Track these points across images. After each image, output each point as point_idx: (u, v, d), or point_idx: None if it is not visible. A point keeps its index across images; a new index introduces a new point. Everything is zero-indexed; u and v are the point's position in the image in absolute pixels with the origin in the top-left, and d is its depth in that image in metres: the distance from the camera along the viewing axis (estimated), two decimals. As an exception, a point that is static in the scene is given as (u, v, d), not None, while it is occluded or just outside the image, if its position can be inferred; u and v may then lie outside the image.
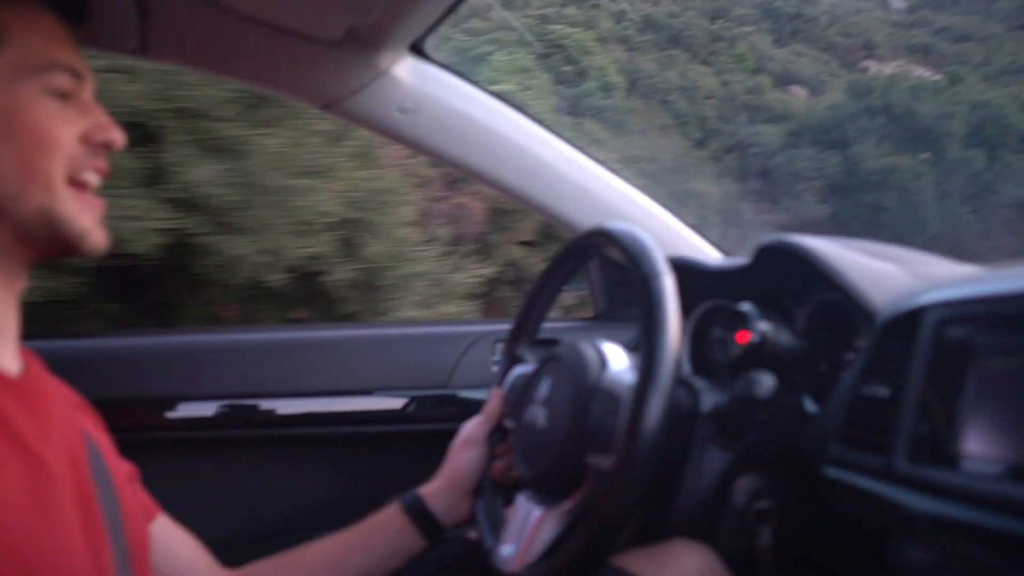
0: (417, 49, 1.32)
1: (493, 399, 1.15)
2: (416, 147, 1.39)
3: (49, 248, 0.77)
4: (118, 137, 0.80)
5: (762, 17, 41.51)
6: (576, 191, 1.44)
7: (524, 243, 5.94)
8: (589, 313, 1.79)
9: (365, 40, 1.20)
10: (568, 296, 1.91)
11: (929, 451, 0.77)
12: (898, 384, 0.83)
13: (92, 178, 0.79)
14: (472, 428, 1.14)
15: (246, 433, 1.50)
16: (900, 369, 0.84)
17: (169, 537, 0.97)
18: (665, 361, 0.78)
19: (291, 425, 1.51)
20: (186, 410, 1.45)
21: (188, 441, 1.47)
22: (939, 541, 0.72)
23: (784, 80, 34.73)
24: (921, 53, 40.11)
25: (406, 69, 1.31)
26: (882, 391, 0.85)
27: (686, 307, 1.43)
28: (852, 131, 26.52)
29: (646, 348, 0.80)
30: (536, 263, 5.66)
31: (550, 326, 1.61)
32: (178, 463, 1.42)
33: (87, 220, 0.78)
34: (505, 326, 1.29)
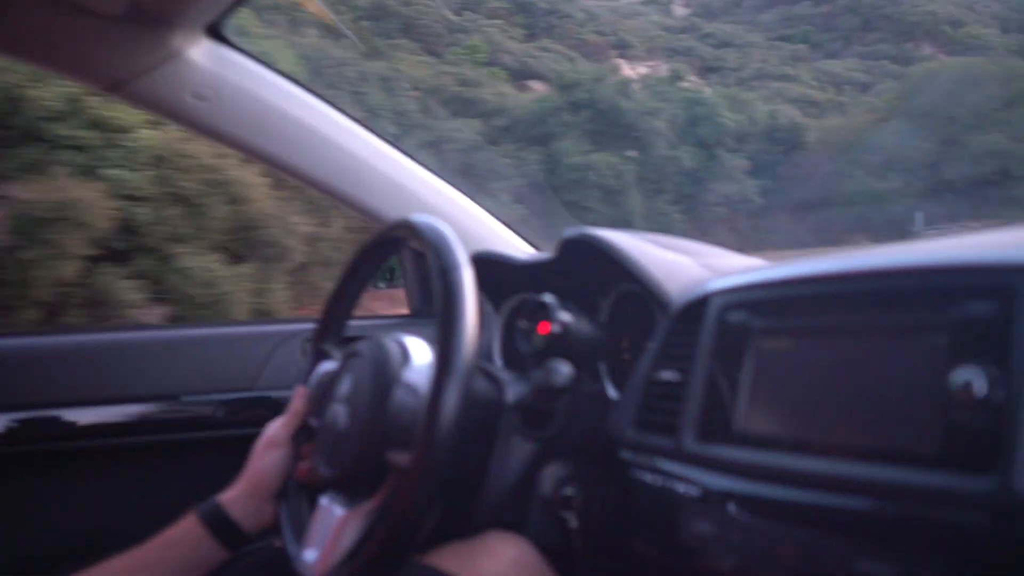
0: (215, 32, 1.23)
1: (298, 397, 1.10)
2: (212, 135, 1.30)
3: None
4: None
5: (515, 11, 41.76)
6: (384, 184, 1.41)
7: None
8: (406, 310, 1.77)
9: (155, 18, 1.11)
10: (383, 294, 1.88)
11: (716, 431, 0.81)
12: (686, 368, 0.87)
13: None
14: (276, 429, 1.08)
15: (37, 447, 1.36)
16: (688, 354, 0.88)
17: None
18: (461, 351, 0.77)
19: (88, 436, 1.39)
20: None
21: None
22: (725, 514, 0.75)
23: (522, 75, 34.50)
24: (681, 55, 42.46)
25: (202, 52, 1.23)
26: (672, 375, 0.89)
27: (496, 301, 1.45)
28: (556, 126, 25.55)
29: (442, 339, 0.78)
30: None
31: (363, 324, 1.57)
32: None
33: None
34: (313, 325, 1.24)
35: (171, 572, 0.98)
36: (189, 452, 1.45)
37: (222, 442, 1.45)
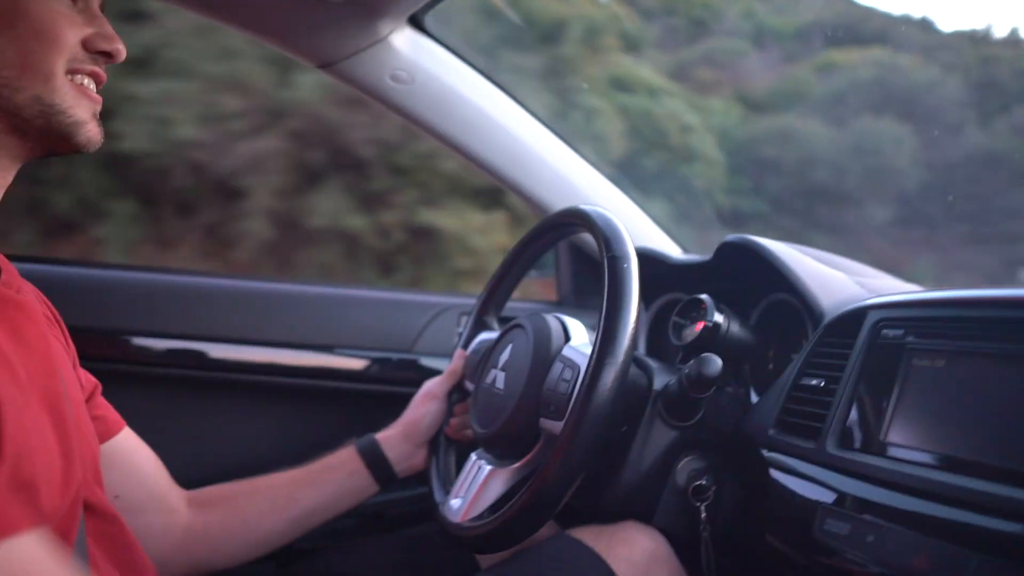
0: (416, 22, 1.36)
1: (457, 358, 1.20)
2: (404, 115, 1.42)
3: (43, 140, 0.76)
4: (121, 49, 0.80)
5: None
6: (553, 176, 1.49)
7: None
8: (554, 298, 1.85)
9: (368, 5, 1.23)
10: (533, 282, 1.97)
11: (857, 439, 0.83)
12: (834, 377, 0.90)
13: (89, 84, 0.79)
14: (434, 384, 1.19)
15: (206, 375, 1.52)
16: (837, 364, 0.91)
17: (133, 450, 0.98)
18: (623, 334, 0.83)
19: (251, 372, 1.54)
20: (147, 343, 1.48)
21: (147, 376, 1.49)
22: (859, 520, 0.78)
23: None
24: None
25: (403, 39, 1.35)
26: (818, 382, 0.92)
27: (647, 297, 1.50)
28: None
29: (605, 321, 0.84)
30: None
31: (515, 306, 1.67)
32: (135, 398, 1.44)
33: (83, 112, 0.76)
34: (471, 300, 1.33)
35: (327, 493, 1.09)
36: (340, 401, 1.58)
37: (372, 396, 1.57)
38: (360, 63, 1.35)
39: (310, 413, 1.59)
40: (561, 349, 0.99)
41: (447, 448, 1.17)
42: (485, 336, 1.21)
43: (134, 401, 1.02)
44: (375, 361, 1.58)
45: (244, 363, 1.53)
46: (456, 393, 1.20)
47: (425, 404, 1.17)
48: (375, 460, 1.12)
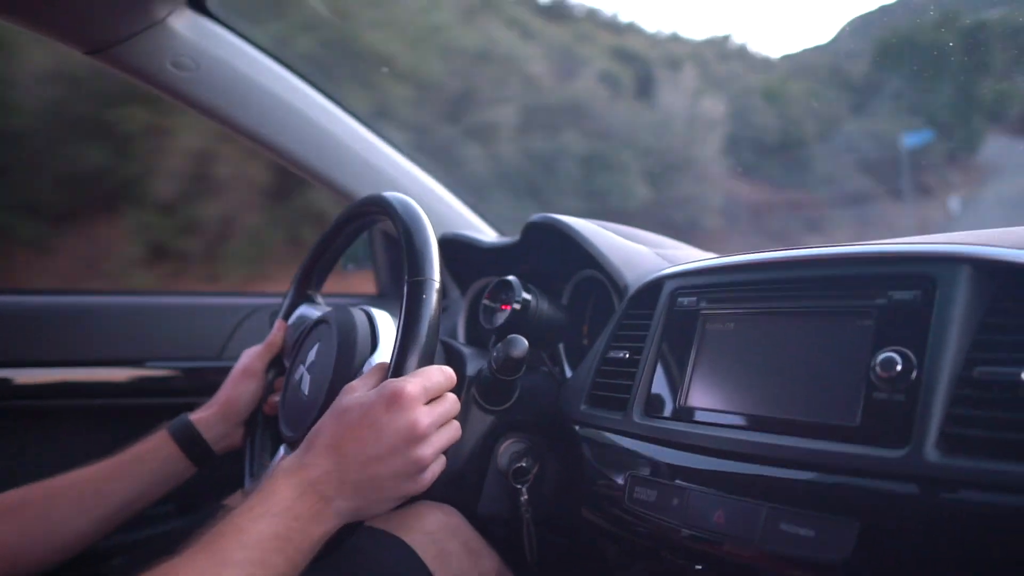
0: (198, 3, 1.25)
1: (277, 330, 1.14)
2: (191, 105, 1.32)
3: None
4: None
5: None
6: (358, 164, 1.44)
7: None
8: (373, 290, 1.80)
9: (138, -17, 1.13)
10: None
11: (661, 407, 0.86)
12: (637, 348, 0.92)
13: None
14: (251, 358, 1.12)
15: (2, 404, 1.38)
16: (641, 335, 0.93)
17: None
18: (424, 320, 0.80)
19: (48, 396, 1.41)
20: None
21: None
22: (665, 484, 0.80)
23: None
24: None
25: (184, 22, 1.24)
26: (623, 354, 0.94)
27: (463, 282, 1.48)
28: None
29: (406, 309, 0.81)
30: None
31: (332, 301, 1.60)
32: None
33: None
34: (278, 300, 1.26)
35: (141, 483, 1.01)
36: (152, 417, 1.47)
37: (185, 408, 1.47)
38: (135, 49, 1.23)
39: (120, 435, 1.46)
40: (367, 357, 0.95)
41: (264, 427, 1.10)
42: (306, 310, 1.15)
43: None
44: (184, 372, 1.48)
45: (36, 387, 1.39)
46: (274, 369, 1.14)
47: (242, 382, 1.10)
48: (190, 442, 1.05)
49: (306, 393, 0.97)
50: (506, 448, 1.01)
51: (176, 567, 0.59)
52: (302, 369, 1.01)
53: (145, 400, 1.48)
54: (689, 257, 1.15)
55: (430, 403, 0.77)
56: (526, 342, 0.91)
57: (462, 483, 0.99)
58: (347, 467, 0.72)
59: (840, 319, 0.72)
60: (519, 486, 0.98)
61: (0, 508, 0.95)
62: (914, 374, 0.64)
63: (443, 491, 0.98)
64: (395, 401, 0.73)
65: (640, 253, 1.13)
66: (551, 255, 1.21)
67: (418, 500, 0.97)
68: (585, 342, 1.23)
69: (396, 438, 0.73)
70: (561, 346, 1.21)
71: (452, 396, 0.81)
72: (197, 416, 1.08)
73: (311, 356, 1.01)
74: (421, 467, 0.74)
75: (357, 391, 0.79)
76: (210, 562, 0.60)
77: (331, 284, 1.24)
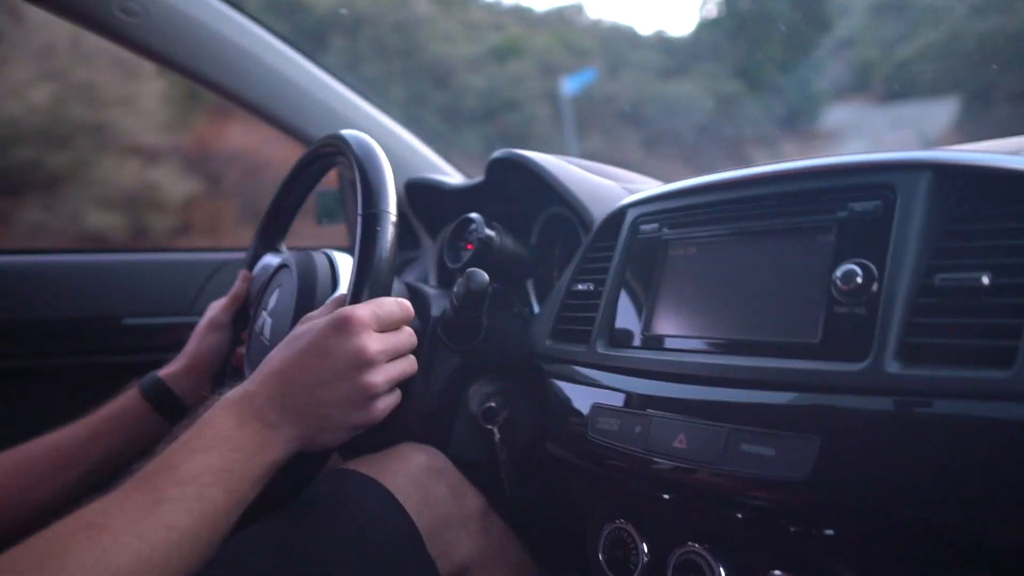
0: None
1: (241, 280, 1.13)
2: (141, 52, 1.28)
3: None
4: None
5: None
6: (317, 108, 1.40)
7: None
8: (346, 243, 1.77)
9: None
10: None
11: (625, 337, 0.84)
12: (601, 280, 0.90)
13: None
14: (217, 311, 1.11)
15: None
16: (604, 267, 0.91)
17: None
18: (378, 251, 0.78)
19: (22, 356, 1.40)
20: None
21: None
22: (630, 414, 0.78)
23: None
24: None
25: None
26: (587, 286, 0.91)
27: (432, 226, 1.46)
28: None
29: (360, 241, 0.79)
30: None
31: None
32: None
33: None
34: (245, 254, 1.24)
35: (116, 443, 1.00)
36: (129, 373, 1.47)
37: (160, 364, 1.47)
38: (81, -5, 1.19)
39: (102, 391, 1.47)
40: (328, 296, 0.93)
41: (232, 380, 1.08)
42: (269, 259, 1.12)
43: None
44: (157, 328, 1.46)
45: (25, 348, 1.39)
46: (241, 320, 1.12)
47: (209, 335, 1.09)
48: (161, 399, 1.04)
49: (268, 337, 0.95)
50: (476, 389, 0.99)
51: (106, 506, 0.57)
52: (264, 315, 0.99)
53: (119, 358, 1.47)
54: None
55: (384, 333, 0.75)
56: (486, 275, 0.89)
57: (433, 424, 0.98)
58: (292, 392, 0.69)
59: (801, 236, 0.69)
60: (490, 427, 0.97)
61: None
62: (875, 286, 0.62)
63: (414, 431, 0.97)
64: (343, 326, 0.71)
65: (607, 187, 1.10)
66: (518, 193, 1.19)
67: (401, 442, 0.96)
68: (556, 282, 1.21)
69: (343, 362, 0.70)
70: (531, 284, 1.19)
71: (408, 329, 0.79)
72: (166, 372, 1.06)
73: (272, 301, 0.99)
74: (370, 395, 0.72)
75: (311, 321, 0.77)
76: (141, 500, 0.58)
77: (306, 239, 1.22)
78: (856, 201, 0.66)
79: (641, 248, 0.86)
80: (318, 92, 1.40)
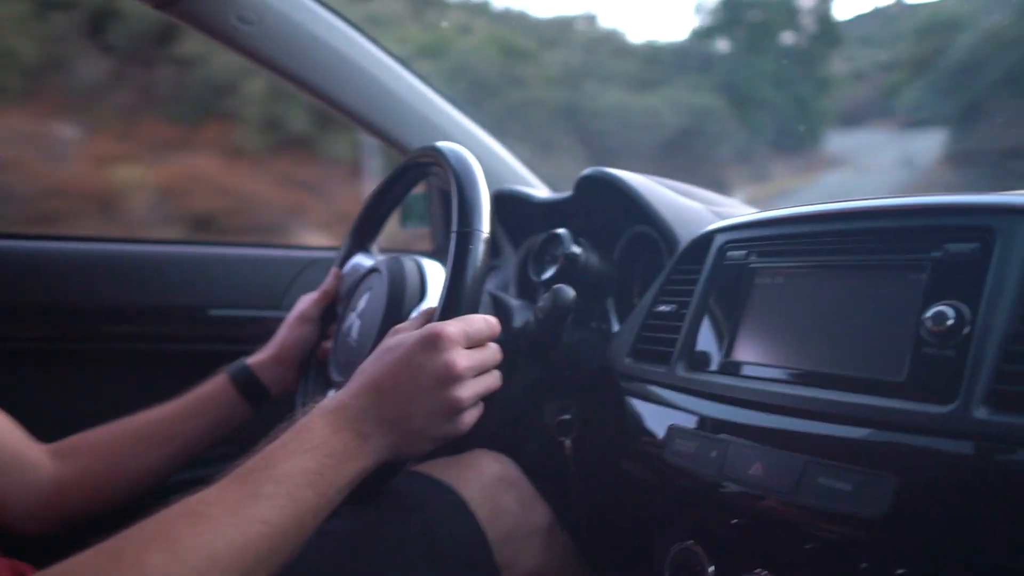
0: (262, -42, 1.28)
1: (331, 277, 1.18)
2: (254, 58, 1.35)
3: None
4: None
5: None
6: (414, 118, 1.45)
7: None
8: (429, 247, 1.82)
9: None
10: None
11: (706, 361, 0.84)
12: (684, 302, 0.91)
13: None
14: (307, 304, 1.16)
15: (75, 347, 1.45)
16: (688, 289, 0.92)
17: None
18: (469, 269, 0.80)
19: (119, 340, 1.47)
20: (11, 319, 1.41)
21: (10, 352, 1.42)
22: (704, 437, 0.79)
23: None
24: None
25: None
26: (670, 308, 0.92)
27: (515, 238, 1.48)
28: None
29: (453, 258, 0.81)
30: None
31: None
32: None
33: None
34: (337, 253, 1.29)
35: (203, 426, 1.07)
36: (215, 362, 1.54)
37: (246, 355, 1.53)
38: (202, 3, 1.27)
39: (185, 379, 1.54)
40: (416, 304, 0.96)
41: (317, 371, 1.13)
42: (360, 259, 1.17)
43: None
44: (245, 320, 1.53)
45: (108, 332, 1.46)
46: (330, 314, 1.17)
47: (298, 327, 1.14)
48: (248, 385, 1.09)
49: (355, 338, 0.99)
50: (551, 401, 1.01)
51: (207, 497, 0.62)
52: (353, 316, 1.03)
53: (208, 347, 1.53)
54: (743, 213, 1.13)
55: (471, 349, 0.78)
56: (572, 291, 0.91)
57: (507, 433, 1.00)
58: (384, 405, 0.73)
59: (892, 273, 0.69)
60: (563, 439, 0.99)
61: (76, 445, 1.01)
62: (966, 329, 0.61)
63: (488, 438, 0.99)
64: (433, 342, 0.74)
65: (693, 209, 1.11)
66: (604, 210, 1.20)
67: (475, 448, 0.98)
68: (636, 300, 1.22)
69: (432, 378, 0.74)
70: (611, 302, 1.20)
71: (494, 345, 0.82)
72: (253, 360, 1.11)
73: (362, 303, 1.03)
74: (457, 408, 0.75)
75: (401, 334, 0.80)
76: (239, 494, 0.62)
77: (391, 241, 1.26)
78: (952, 242, 0.65)
79: (727, 274, 0.87)
80: (415, 102, 1.45)
